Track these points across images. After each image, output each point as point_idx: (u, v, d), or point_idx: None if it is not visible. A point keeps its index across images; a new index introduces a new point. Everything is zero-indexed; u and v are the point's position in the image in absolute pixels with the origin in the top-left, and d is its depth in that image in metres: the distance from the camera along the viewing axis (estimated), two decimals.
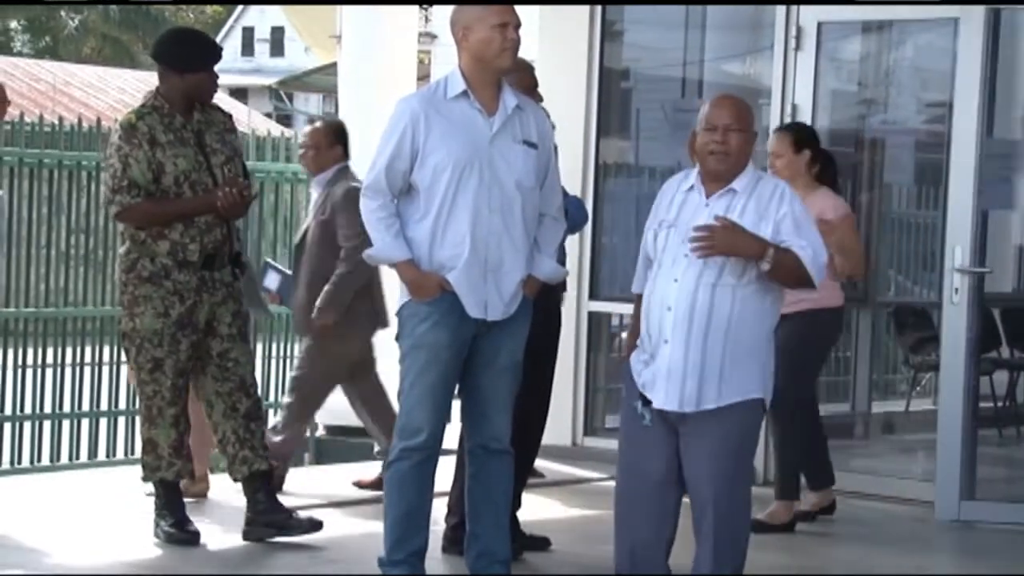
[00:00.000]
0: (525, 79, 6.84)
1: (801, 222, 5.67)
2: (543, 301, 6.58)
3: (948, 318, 8.65)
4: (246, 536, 7.17)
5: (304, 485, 8.61)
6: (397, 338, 6.25)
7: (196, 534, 7.08)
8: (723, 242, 5.54)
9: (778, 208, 5.65)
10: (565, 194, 6.80)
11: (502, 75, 6.22)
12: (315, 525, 7.20)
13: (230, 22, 55.55)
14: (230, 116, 7.29)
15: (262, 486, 7.16)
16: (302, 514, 7.32)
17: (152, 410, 7.04)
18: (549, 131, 6.39)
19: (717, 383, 5.61)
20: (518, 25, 6.17)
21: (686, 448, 5.68)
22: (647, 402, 5.71)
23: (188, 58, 7.05)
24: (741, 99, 5.90)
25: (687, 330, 5.62)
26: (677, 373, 5.63)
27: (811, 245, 5.64)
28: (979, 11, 8.59)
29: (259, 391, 7.30)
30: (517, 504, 7.13)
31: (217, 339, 7.04)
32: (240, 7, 55.35)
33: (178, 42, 7.29)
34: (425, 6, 28.58)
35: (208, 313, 7.01)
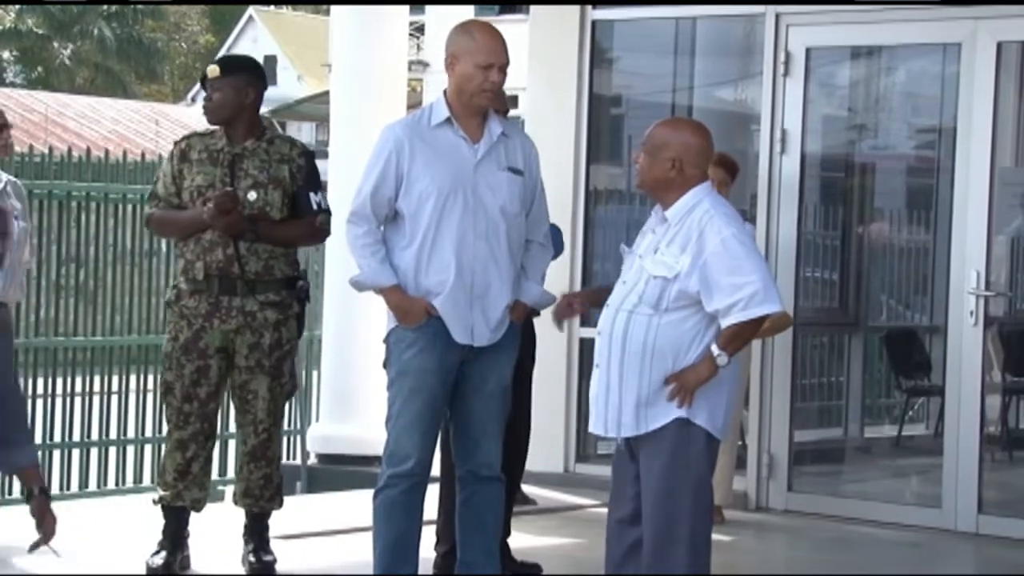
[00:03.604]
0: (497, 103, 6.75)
1: (735, 258, 5.47)
2: (522, 327, 6.57)
3: (966, 340, 8.76)
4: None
5: (297, 514, 8.59)
6: (384, 364, 6.25)
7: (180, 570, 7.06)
8: (691, 384, 5.49)
9: (699, 245, 5.49)
10: None
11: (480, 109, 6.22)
12: (263, 568, 7.18)
13: (222, 51, 55.63)
14: (300, 150, 7.11)
15: (250, 524, 7.19)
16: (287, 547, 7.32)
17: (169, 432, 7.09)
18: (535, 158, 6.37)
19: (635, 409, 5.55)
20: (504, 66, 6.15)
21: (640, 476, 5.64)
22: None
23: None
24: (664, 123, 5.77)
25: (607, 355, 5.62)
26: (601, 398, 5.64)
27: (737, 293, 5.43)
28: (989, 37, 8.64)
29: (276, 429, 7.14)
30: (507, 531, 7.12)
31: (237, 370, 7.01)
32: (232, 36, 55.44)
33: None
34: (417, 35, 28.64)
35: (221, 340, 6.96)
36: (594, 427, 5.69)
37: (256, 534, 7.17)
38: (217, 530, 7.57)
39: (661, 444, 5.54)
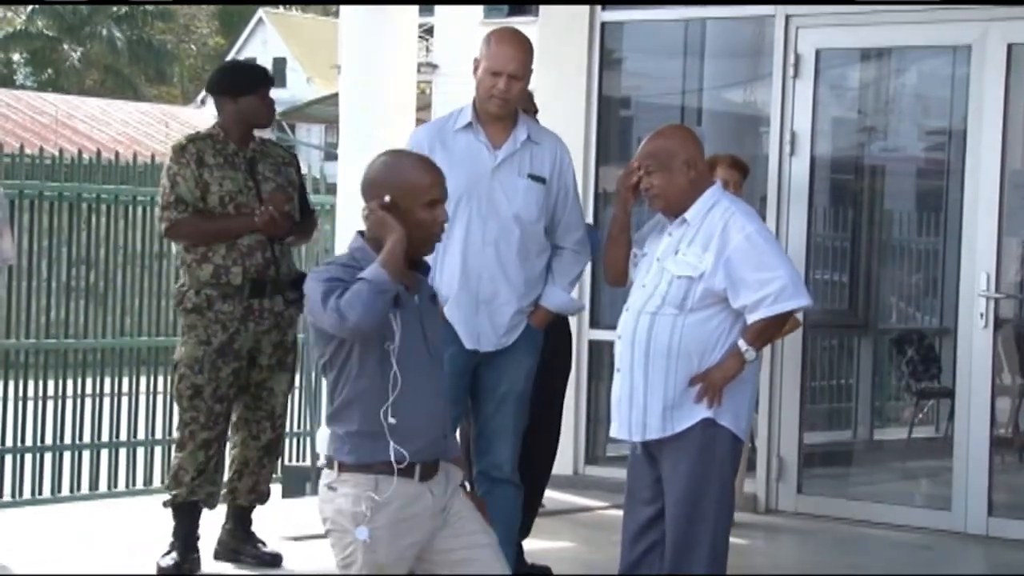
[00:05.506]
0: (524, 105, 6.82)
1: (761, 254, 5.48)
2: (553, 335, 6.60)
3: (976, 342, 8.74)
4: (216, 555, 7.26)
5: (306, 515, 8.60)
6: None
7: (190, 571, 7.08)
8: (718, 382, 5.49)
9: (722, 243, 5.50)
10: None
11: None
12: (275, 559, 7.23)
13: (232, 53, 55.68)
14: (292, 153, 7.40)
15: (242, 521, 7.27)
16: (297, 548, 7.38)
17: (184, 435, 7.07)
18: (567, 165, 6.40)
19: (661, 411, 5.54)
20: (514, 77, 6.16)
21: (664, 477, 5.64)
22: None
23: (239, 83, 7.14)
24: (655, 138, 5.74)
25: (630, 358, 5.61)
26: (625, 401, 5.63)
27: (765, 288, 5.44)
28: (1000, 39, 8.65)
29: (284, 425, 7.36)
30: (524, 532, 7.13)
31: (257, 368, 7.10)
32: (242, 39, 55.50)
33: (230, 70, 7.52)
34: (426, 37, 28.66)
35: (252, 342, 7.04)
36: (617, 432, 5.69)
37: (248, 530, 7.29)
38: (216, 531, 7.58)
39: (687, 445, 5.54)
